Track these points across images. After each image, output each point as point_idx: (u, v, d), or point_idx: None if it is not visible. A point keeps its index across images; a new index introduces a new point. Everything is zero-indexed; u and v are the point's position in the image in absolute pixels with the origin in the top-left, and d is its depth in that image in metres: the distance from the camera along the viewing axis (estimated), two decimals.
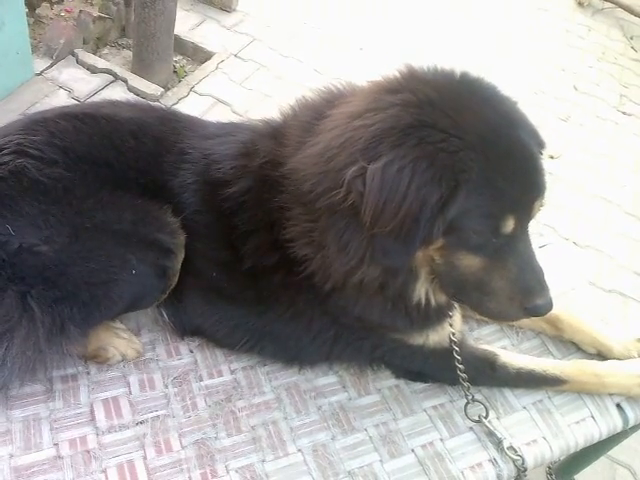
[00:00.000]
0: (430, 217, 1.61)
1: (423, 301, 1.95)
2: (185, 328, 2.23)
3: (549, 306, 1.79)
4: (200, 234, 2.09)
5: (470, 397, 2.17)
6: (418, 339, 2.13)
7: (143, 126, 2.14)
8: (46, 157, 1.92)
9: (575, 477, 3.07)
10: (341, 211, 1.70)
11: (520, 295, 1.77)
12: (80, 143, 2.01)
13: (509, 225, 1.70)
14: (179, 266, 2.06)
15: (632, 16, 7.88)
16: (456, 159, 1.61)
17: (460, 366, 2.13)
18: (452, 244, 1.72)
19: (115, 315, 2.10)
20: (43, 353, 1.84)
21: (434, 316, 2.05)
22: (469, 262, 1.75)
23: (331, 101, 1.98)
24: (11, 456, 1.84)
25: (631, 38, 7.70)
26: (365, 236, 1.70)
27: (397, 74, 1.84)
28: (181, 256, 2.06)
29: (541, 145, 1.82)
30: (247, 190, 2.03)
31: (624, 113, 6.35)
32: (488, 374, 2.26)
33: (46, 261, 1.82)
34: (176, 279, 2.07)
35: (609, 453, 2.89)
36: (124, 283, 1.92)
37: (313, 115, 1.98)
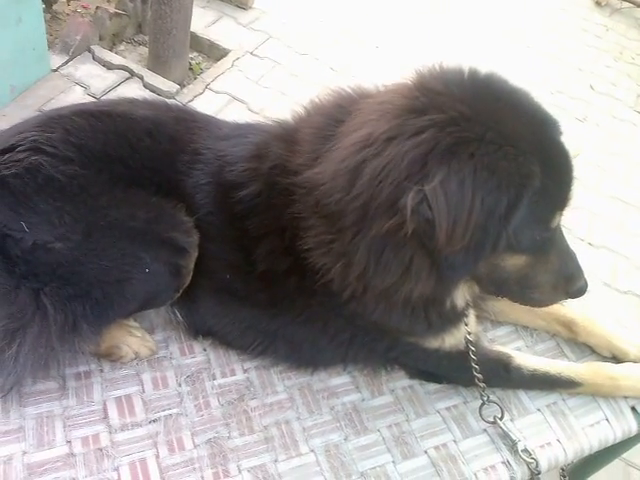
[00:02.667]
0: (498, 225, 1.60)
1: (457, 304, 1.95)
2: (198, 329, 2.22)
3: (587, 285, 1.89)
4: (213, 235, 2.08)
5: (486, 398, 2.15)
6: (434, 342, 2.11)
7: (159, 125, 2.13)
8: (61, 154, 1.91)
9: (588, 479, 3.05)
10: (392, 236, 1.65)
11: (563, 282, 1.85)
12: (95, 141, 2.00)
13: (556, 222, 1.75)
14: (192, 265, 2.05)
15: None
16: (519, 165, 1.59)
17: (476, 366, 2.12)
18: (511, 247, 1.71)
19: (129, 314, 2.10)
20: (55, 350, 1.85)
21: (451, 319, 2.04)
22: (515, 262, 1.77)
23: (344, 106, 1.95)
24: (24, 453, 1.84)
25: None
26: (428, 256, 1.67)
27: (411, 85, 1.78)
28: (195, 255, 2.05)
29: (561, 134, 1.81)
30: (258, 194, 2.01)
31: None
32: (502, 376, 2.24)
33: (60, 258, 1.82)
34: (189, 278, 2.06)
35: (623, 455, 2.85)
36: (137, 281, 1.92)
37: (326, 121, 1.95)
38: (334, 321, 2.06)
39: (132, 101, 2.31)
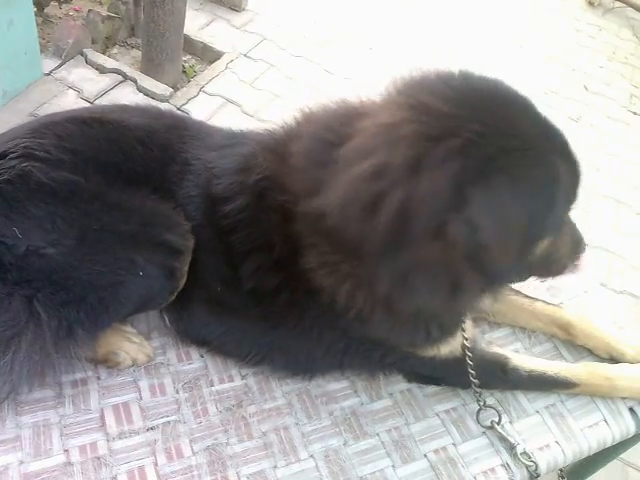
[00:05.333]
0: (540, 226, 1.65)
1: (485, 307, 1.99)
2: (193, 338, 2.21)
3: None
4: (204, 248, 2.06)
5: (482, 403, 2.16)
6: (430, 351, 2.11)
7: (150, 133, 2.11)
8: (53, 159, 1.90)
9: (587, 479, 3.06)
10: (431, 262, 1.62)
11: (575, 246, 1.94)
12: (88, 147, 1.99)
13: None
14: (187, 268, 2.04)
15: None
16: (547, 167, 1.61)
17: (472, 372, 2.12)
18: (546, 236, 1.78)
19: (123, 317, 2.09)
20: (51, 357, 1.83)
21: (450, 329, 2.05)
22: (543, 246, 1.79)
23: (335, 128, 1.87)
24: (21, 462, 1.83)
25: None
26: (478, 273, 1.67)
27: (406, 103, 1.69)
28: (189, 257, 2.04)
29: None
30: (243, 208, 1.99)
31: (635, 113, 6.33)
32: (500, 377, 2.25)
33: (53, 264, 1.80)
34: (184, 281, 2.05)
35: (622, 456, 2.86)
36: (131, 285, 1.91)
37: (319, 146, 1.86)
38: (328, 332, 2.05)
39: (124, 108, 2.29)
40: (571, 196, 1.76)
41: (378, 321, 1.88)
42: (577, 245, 1.95)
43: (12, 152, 1.90)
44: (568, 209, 1.82)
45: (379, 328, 1.93)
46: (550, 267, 1.93)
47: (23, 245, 1.79)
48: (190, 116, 2.38)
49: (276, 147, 2.03)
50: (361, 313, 1.85)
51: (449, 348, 2.12)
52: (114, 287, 1.89)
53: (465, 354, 2.12)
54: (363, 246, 1.67)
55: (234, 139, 2.24)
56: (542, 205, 1.61)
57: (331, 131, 1.86)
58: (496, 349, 2.31)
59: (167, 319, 2.20)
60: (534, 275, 1.98)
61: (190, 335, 2.21)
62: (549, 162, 1.61)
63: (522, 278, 1.99)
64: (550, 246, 1.81)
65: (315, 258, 1.84)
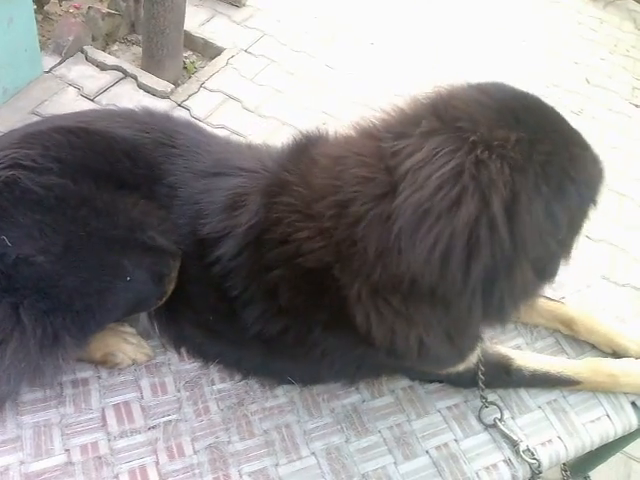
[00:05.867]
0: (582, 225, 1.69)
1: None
2: (186, 350, 2.20)
3: None
4: (194, 278, 2.03)
5: (484, 400, 2.18)
6: (450, 369, 2.13)
7: (137, 148, 2.06)
8: (39, 167, 1.87)
9: (590, 474, 3.06)
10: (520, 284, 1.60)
11: None
12: (74, 157, 1.96)
13: None
14: (175, 273, 2.01)
15: None
16: (586, 164, 1.62)
17: (481, 373, 2.15)
18: None
19: (112, 322, 2.07)
20: (37, 364, 1.81)
21: (473, 348, 2.05)
22: None
23: (363, 175, 1.67)
24: (21, 463, 1.83)
25: None
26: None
27: (444, 129, 1.57)
28: (178, 263, 2.01)
29: None
30: (236, 254, 1.92)
31: (637, 106, 6.30)
32: (503, 378, 2.26)
33: (41, 272, 1.79)
34: (173, 286, 2.02)
35: (625, 449, 2.87)
36: (119, 291, 1.89)
37: (370, 192, 1.65)
38: (341, 359, 2.00)
39: (113, 115, 2.24)
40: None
41: (436, 353, 1.87)
42: None
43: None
44: None
45: (432, 359, 1.94)
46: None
47: (13, 254, 1.78)
48: (183, 123, 2.26)
49: (275, 189, 1.90)
50: (421, 349, 1.81)
51: (465, 366, 2.13)
52: (101, 293, 1.87)
53: (478, 368, 2.15)
54: (454, 294, 1.59)
55: (221, 167, 2.11)
56: (595, 199, 1.65)
57: (370, 182, 1.66)
58: (499, 348, 2.31)
59: (157, 329, 2.18)
60: None
61: (182, 346, 2.20)
62: (597, 158, 1.66)
63: None
64: None
65: (373, 310, 1.75)
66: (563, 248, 1.64)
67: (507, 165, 1.48)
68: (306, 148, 1.98)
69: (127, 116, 2.23)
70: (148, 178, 2.04)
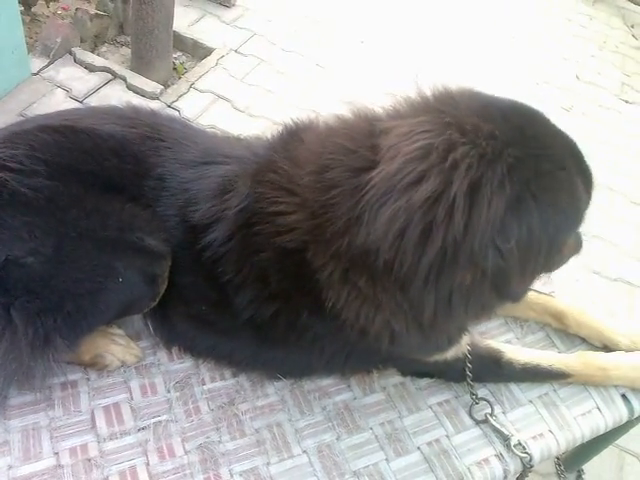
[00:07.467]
0: (559, 247, 1.65)
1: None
2: (178, 347, 2.20)
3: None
4: (185, 268, 2.02)
5: (475, 397, 2.18)
6: (437, 357, 2.12)
7: (124, 144, 2.05)
8: (26, 169, 1.86)
9: (583, 467, 3.07)
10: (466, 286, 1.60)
11: (576, 249, 1.90)
12: (61, 157, 1.95)
13: None
14: (167, 273, 2.00)
15: (632, 4, 7.93)
16: (572, 190, 1.60)
17: (469, 365, 2.15)
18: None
19: (104, 323, 2.07)
20: (28, 365, 1.81)
21: (458, 338, 2.05)
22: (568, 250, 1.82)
23: (354, 150, 1.71)
24: (10, 467, 1.82)
25: (632, 26, 7.68)
26: (497, 296, 1.68)
27: (456, 124, 1.55)
28: (169, 263, 2.00)
29: None
30: (226, 239, 1.92)
31: (626, 101, 6.32)
32: (494, 372, 2.26)
33: (31, 273, 1.79)
34: (165, 286, 2.01)
35: (617, 442, 2.89)
36: (111, 292, 1.89)
37: (348, 164, 1.70)
38: (331, 345, 2.01)
39: (98, 112, 2.24)
40: (586, 209, 1.73)
41: (408, 341, 1.87)
42: (578, 247, 1.91)
43: None
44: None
45: (405, 346, 1.93)
46: (551, 270, 1.87)
47: (2, 255, 1.77)
48: (170, 118, 2.27)
49: (263, 171, 1.92)
50: (393, 336, 1.82)
51: (454, 352, 2.13)
52: (93, 294, 1.87)
53: (465, 357, 2.15)
54: (409, 276, 1.59)
55: (210, 156, 2.11)
56: (565, 228, 1.61)
57: (352, 154, 1.70)
58: (489, 342, 2.31)
59: (151, 327, 2.18)
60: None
61: (175, 343, 2.20)
62: (575, 186, 1.60)
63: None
64: (559, 256, 1.79)
65: (346, 293, 1.76)
66: (521, 268, 1.56)
67: (476, 152, 1.48)
68: (296, 133, 2.00)
69: (112, 113, 2.22)
70: (136, 174, 2.03)
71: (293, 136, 1.99)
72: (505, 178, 1.47)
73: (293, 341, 1.98)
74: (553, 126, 1.67)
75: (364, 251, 1.62)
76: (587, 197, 1.67)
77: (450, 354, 2.12)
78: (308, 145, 1.87)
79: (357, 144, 1.70)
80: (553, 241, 1.57)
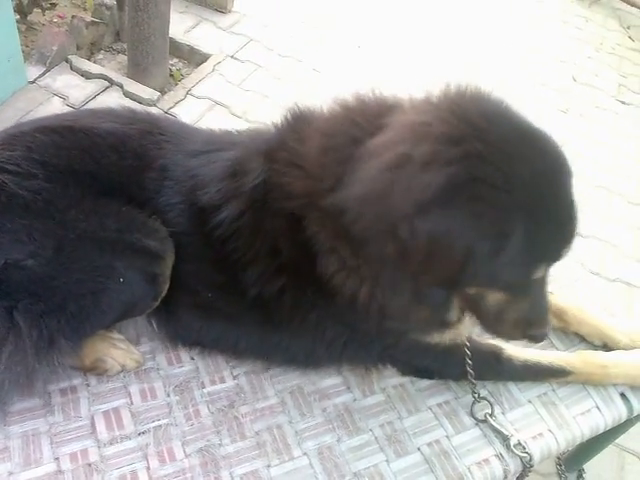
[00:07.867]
0: (475, 267, 1.59)
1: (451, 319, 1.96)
2: (183, 342, 2.21)
3: (544, 337, 1.95)
4: (190, 255, 2.05)
5: (477, 395, 2.18)
6: (437, 337, 2.11)
7: (124, 140, 2.08)
8: (24, 171, 1.87)
9: (584, 466, 3.07)
10: (390, 259, 1.65)
11: (524, 325, 1.84)
12: (59, 158, 1.96)
13: (540, 273, 1.74)
14: (169, 272, 2.02)
15: (628, 6, 7.95)
16: (506, 217, 1.56)
17: (469, 361, 2.14)
18: (484, 284, 1.73)
19: (107, 325, 2.07)
20: (33, 368, 1.81)
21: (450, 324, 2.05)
22: (491, 297, 1.77)
23: (361, 124, 1.83)
24: (10, 473, 1.81)
25: (628, 28, 7.71)
26: (410, 282, 1.72)
27: (455, 111, 1.64)
28: (171, 262, 2.02)
29: (571, 175, 1.76)
30: (238, 216, 1.96)
31: (623, 102, 6.34)
32: (494, 368, 2.26)
33: (32, 275, 1.79)
34: (167, 286, 2.03)
35: (617, 441, 2.90)
36: (113, 292, 1.89)
37: (342, 141, 1.83)
38: (332, 328, 2.04)
39: (96, 113, 2.26)
40: (543, 257, 1.71)
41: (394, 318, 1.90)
42: (530, 325, 1.86)
43: None
44: (530, 273, 1.72)
45: (395, 321, 1.94)
46: (495, 324, 1.87)
47: (2, 259, 1.78)
48: (166, 117, 2.31)
49: (274, 150, 1.98)
50: (383, 309, 1.86)
51: (453, 335, 2.12)
52: (94, 295, 1.88)
53: (465, 344, 2.14)
54: (364, 238, 1.67)
55: (213, 144, 2.18)
56: (484, 249, 1.56)
57: (358, 127, 1.82)
58: (489, 340, 2.30)
59: (155, 324, 2.19)
60: (479, 321, 1.92)
61: (180, 338, 2.20)
62: (509, 215, 1.56)
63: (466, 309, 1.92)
64: (503, 303, 1.78)
65: (333, 262, 1.83)
66: (426, 260, 1.59)
67: (450, 135, 1.58)
68: (304, 116, 2.06)
69: (110, 113, 2.26)
70: (136, 168, 2.06)
71: (299, 119, 2.05)
72: (455, 164, 1.53)
73: (297, 323, 2.01)
74: (546, 158, 1.68)
75: (340, 212, 1.69)
76: (533, 237, 1.60)
77: (449, 336, 2.11)
78: (316, 125, 1.95)
79: (365, 119, 1.83)
80: (470, 253, 1.56)
